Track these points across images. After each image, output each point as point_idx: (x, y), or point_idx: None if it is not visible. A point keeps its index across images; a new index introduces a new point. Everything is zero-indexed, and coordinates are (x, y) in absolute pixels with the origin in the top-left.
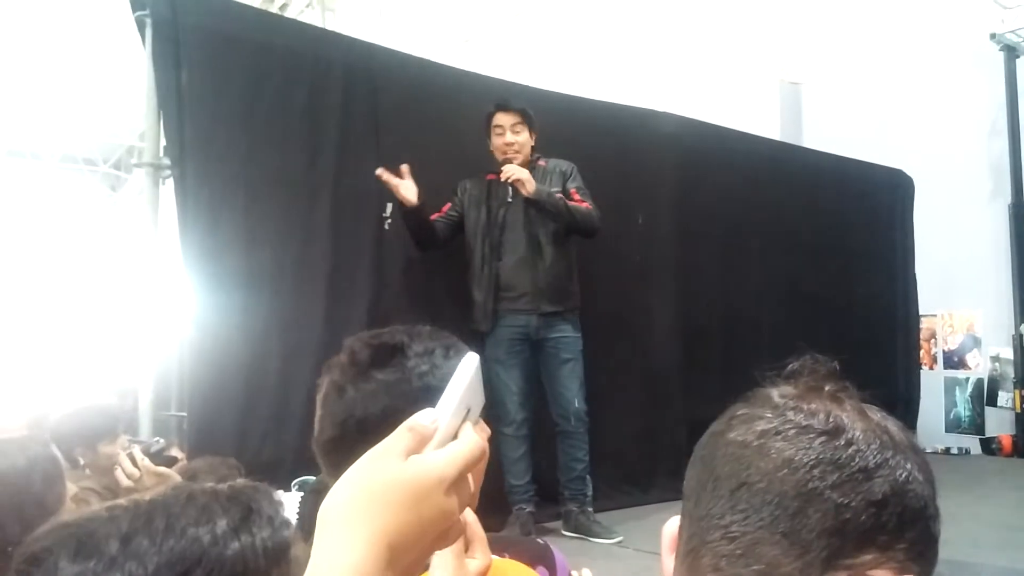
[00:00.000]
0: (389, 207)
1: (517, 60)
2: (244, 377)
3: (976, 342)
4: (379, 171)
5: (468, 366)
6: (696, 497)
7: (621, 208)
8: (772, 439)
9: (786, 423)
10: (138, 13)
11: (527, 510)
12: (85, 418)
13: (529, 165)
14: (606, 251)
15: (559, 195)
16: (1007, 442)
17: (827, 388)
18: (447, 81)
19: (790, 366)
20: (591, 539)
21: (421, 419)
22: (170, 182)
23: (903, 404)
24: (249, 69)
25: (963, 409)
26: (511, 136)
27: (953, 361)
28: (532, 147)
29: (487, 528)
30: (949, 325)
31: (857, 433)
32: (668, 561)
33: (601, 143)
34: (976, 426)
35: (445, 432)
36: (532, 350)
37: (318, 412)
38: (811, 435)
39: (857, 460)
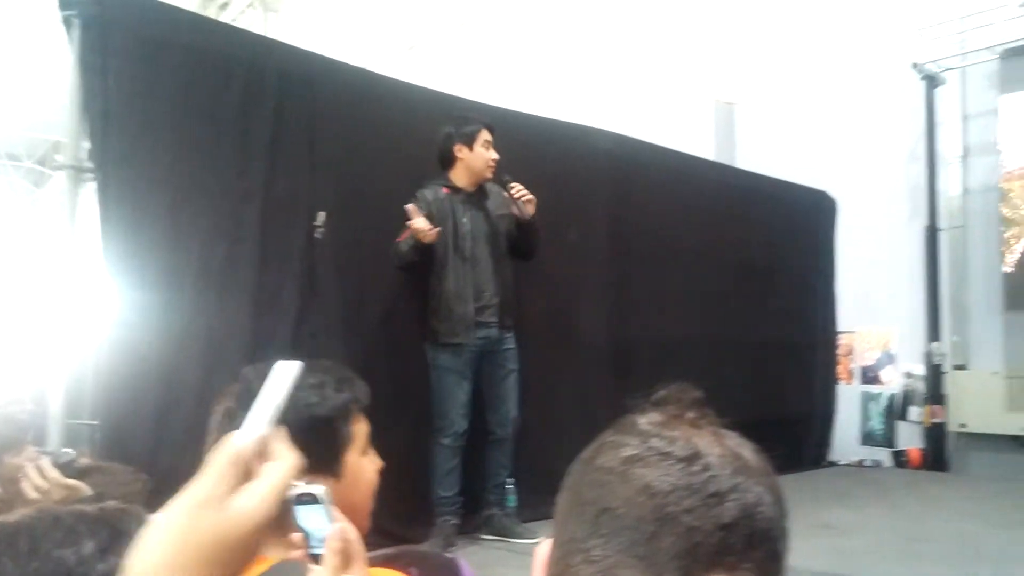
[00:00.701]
0: (321, 216)
1: (459, 69)
2: (162, 385)
3: (891, 359)
4: (409, 207)
5: (287, 373)
6: (563, 521)
7: (555, 223)
8: (635, 465)
9: (648, 450)
10: (66, 12)
11: (452, 522)
12: None
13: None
14: (539, 265)
15: None
16: (915, 455)
17: (689, 415)
18: (385, 91)
19: (659, 393)
20: (512, 540)
21: (238, 444)
22: (92, 184)
23: (820, 417)
24: (180, 73)
25: (877, 423)
26: (492, 152)
27: (869, 377)
28: None
29: (409, 540)
30: (866, 342)
31: (713, 459)
32: None
33: (536, 158)
34: (888, 439)
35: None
36: (480, 361)
37: (211, 438)
38: (670, 462)
39: (711, 485)
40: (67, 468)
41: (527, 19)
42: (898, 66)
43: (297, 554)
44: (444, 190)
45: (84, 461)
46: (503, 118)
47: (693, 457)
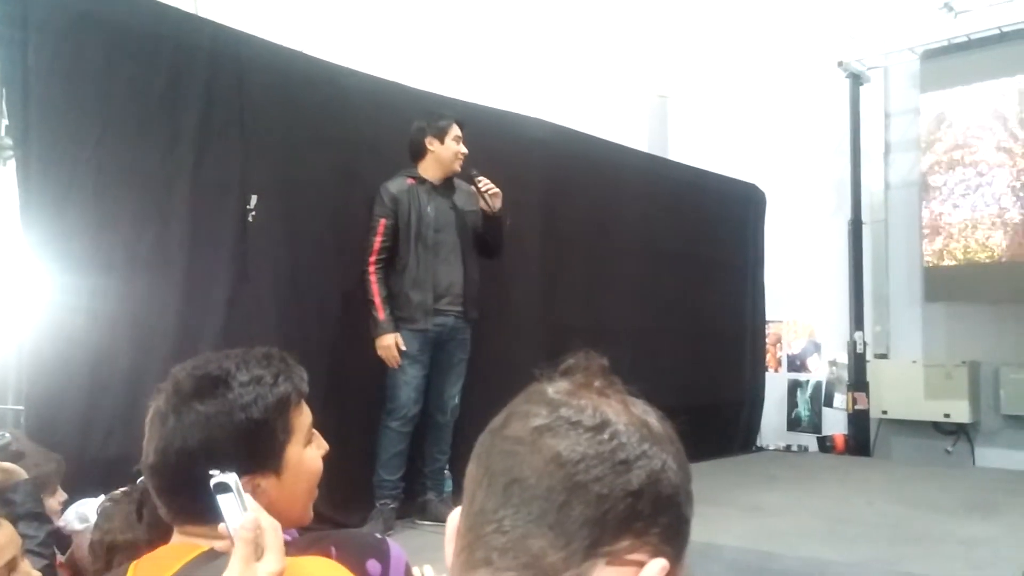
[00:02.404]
0: (254, 199)
1: (392, 54)
2: (90, 369)
3: (817, 347)
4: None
5: (229, 482)
6: (473, 492)
7: None
8: (544, 435)
9: (558, 419)
10: None
11: (391, 506)
12: None
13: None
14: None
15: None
16: (840, 440)
17: (596, 383)
18: (319, 74)
19: (566, 362)
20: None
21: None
22: (12, 163)
23: (749, 404)
24: (105, 49)
25: (803, 409)
26: (462, 146)
27: (796, 365)
28: None
29: (346, 525)
30: (793, 331)
31: (620, 427)
32: (450, 550)
33: (470, 145)
34: (814, 425)
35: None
36: (434, 348)
37: (145, 435)
38: (579, 431)
39: (619, 453)
40: (2, 451)
41: (464, 5)
42: (825, 64)
43: (222, 544)
44: (409, 180)
45: (17, 446)
46: (437, 104)
47: (601, 426)
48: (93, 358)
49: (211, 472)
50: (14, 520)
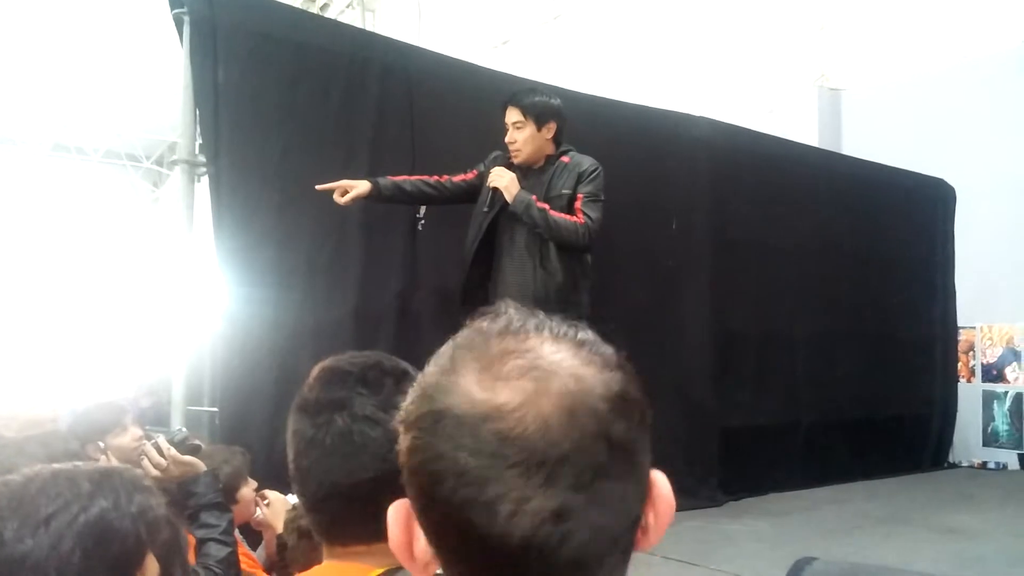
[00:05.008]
0: (423, 208)
1: (554, 63)
2: (275, 373)
3: (1016, 355)
4: (318, 187)
5: None
6: None
7: (655, 213)
8: None
9: None
10: (176, 11)
11: None
12: (93, 415)
13: (549, 161)
14: (639, 256)
15: (543, 206)
16: None
17: None
18: (482, 82)
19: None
20: None
21: None
22: (206, 179)
23: (940, 416)
24: (285, 68)
25: (1001, 423)
26: (512, 134)
27: (991, 374)
28: (557, 141)
29: None
30: (988, 338)
31: None
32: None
33: (635, 147)
34: (1014, 440)
35: None
36: None
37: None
38: None
39: None
40: (181, 446)
41: (619, 9)
42: (1016, 45)
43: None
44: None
45: (195, 440)
46: (600, 107)
47: None
48: (278, 363)
49: None
50: (197, 510)
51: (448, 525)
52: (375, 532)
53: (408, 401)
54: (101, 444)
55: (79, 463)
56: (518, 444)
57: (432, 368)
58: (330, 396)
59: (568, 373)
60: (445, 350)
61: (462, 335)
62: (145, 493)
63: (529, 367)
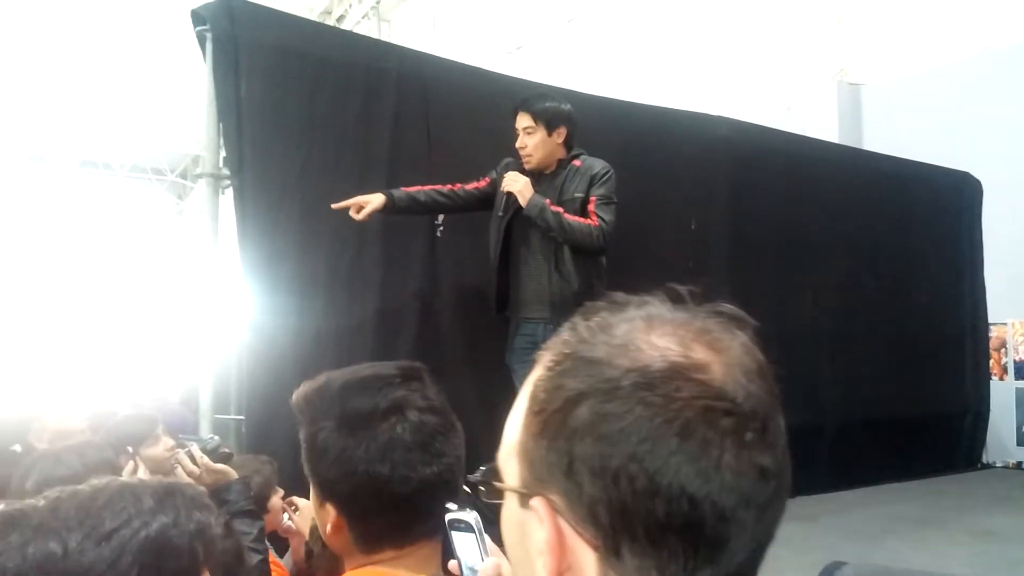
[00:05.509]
0: (441, 216)
1: (569, 66)
2: (299, 381)
3: None
4: (334, 205)
5: (475, 524)
6: None
7: (673, 213)
8: None
9: None
10: (199, 28)
11: None
12: (125, 426)
13: (561, 165)
14: (658, 256)
15: (557, 210)
16: None
17: None
18: (497, 87)
19: None
20: None
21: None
22: (230, 191)
23: (972, 415)
24: (305, 80)
25: None
26: (523, 139)
27: None
28: (568, 145)
29: None
30: (1020, 334)
31: None
32: None
33: (653, 148)
34: None
35: None
36: None
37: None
38: None
39: None
40: (213, 454)
41: (634, 10)
42: None
43: None
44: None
45: (226, 449)
46: (616, 109)
47: None
48: (302, 372)
49: (448, 506)
50: (229, 518)
51: (650, 495)
52: (407, 534)
53: (568, 376)
54: (130, 449)
55: (144, 478)
56: (728, 399)
57: (602, 337)
58: (387, 398)
59: (739, 343)
60: (603, 324)
61: (600, 319)
62: (205, 511)
63: (705, 332)
